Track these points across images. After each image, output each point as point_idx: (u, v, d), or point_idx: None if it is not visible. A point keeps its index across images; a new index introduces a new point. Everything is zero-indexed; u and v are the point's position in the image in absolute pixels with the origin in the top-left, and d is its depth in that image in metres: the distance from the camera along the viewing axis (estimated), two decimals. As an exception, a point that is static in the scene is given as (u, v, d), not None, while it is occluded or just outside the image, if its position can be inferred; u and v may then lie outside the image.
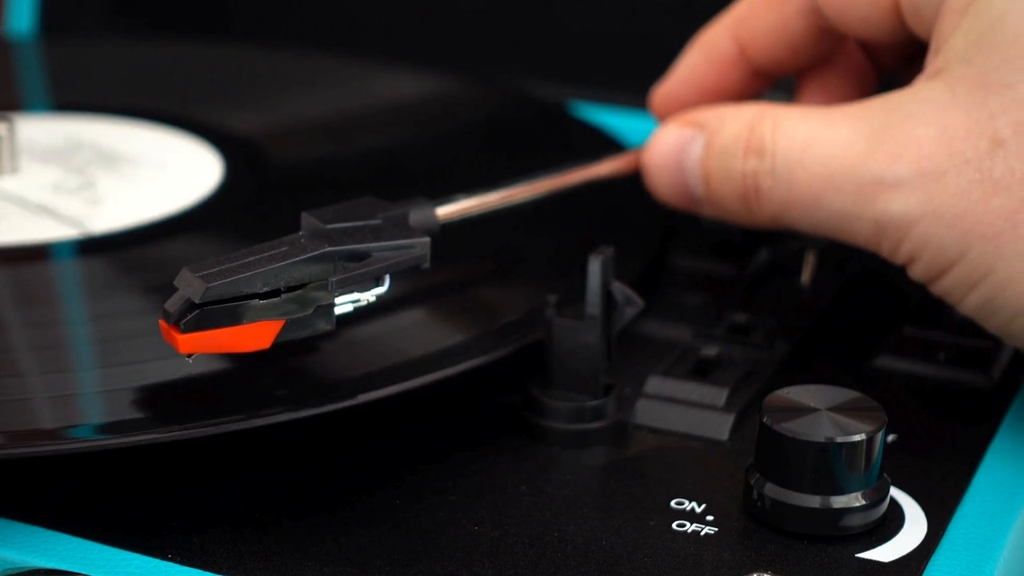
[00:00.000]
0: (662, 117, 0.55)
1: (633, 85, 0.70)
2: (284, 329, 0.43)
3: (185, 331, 0.42)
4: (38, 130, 0.62)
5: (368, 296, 0.45)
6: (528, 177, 0.51)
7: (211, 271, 0.42)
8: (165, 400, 0.45)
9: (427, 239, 0.46)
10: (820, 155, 0.47)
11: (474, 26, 0.77)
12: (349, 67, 0.69)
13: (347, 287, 0.44)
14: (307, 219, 0.45)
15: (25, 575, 0.42)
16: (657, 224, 0.56)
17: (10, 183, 0.58)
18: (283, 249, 0.44)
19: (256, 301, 0.43)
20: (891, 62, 0.54)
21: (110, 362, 0.47)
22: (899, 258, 0.47)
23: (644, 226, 0.55)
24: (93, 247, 0.53)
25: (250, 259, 0.43)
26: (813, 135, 0.47)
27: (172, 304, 0.42)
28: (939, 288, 0.46)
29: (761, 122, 0.48)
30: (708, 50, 0.54)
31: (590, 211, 0.56)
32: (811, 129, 0.47)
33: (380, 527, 0.43)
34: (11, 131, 0.59)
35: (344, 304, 0.45)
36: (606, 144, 0.62)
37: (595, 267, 0.46)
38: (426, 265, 0.46)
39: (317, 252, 0.44)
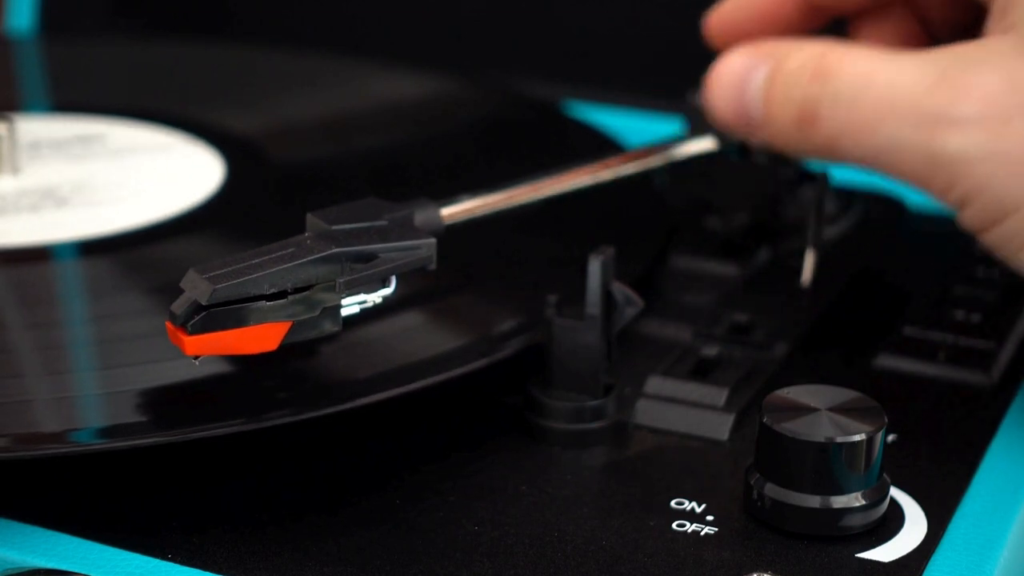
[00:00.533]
0: (716, 38, 0.56)
1: (630, 85, 0.70)
2: (291, 331, 0.43)
3: (192, 333, 0.42)
4: (38, 130, 0.62)
5: (374, 297, 0.45)
6: (532, 178, 0.51)
7: (217, 273, 0.42)
8: (167, 403, 0.45)
9: (433, 240, 0.46)
10: (883, 84, 0.47)
11: (472, 26, 0.77)
12: (349, 67, 0.69)
13: (354, 288, 0.44)
14: (312, 220, 0.45)
15: (25, 575, 0.42)
16: (658, 224, 0.56)
17: (10, 183, 0.58)
18: (290, 250, 0.44)
19: (263, 303, 0.43)
20: (944, 29, 0.54)
21: (112, 364, 0.46)
22: (950, 199, 0.46)
23: (644, 226, 0.55)
24: (95, 248, 0.53)
25: (256, 260, 0.43)
26: (878, 66, 0.47)
27: (178, 306, 0.42)
28: (991, 238, 0.46)
29: (830, 51, 0.48)
30: None
31: (590, 211, 0.56)
32: (876, 61, 0.47)
33: (380, 527, 0.43)
34: (11, 131, 0.59)
35: (350, 305, 0.45)
36: (603, 144, 0.62)
37: (595, 267, 0.46)
38: (432, 266, 0.46)
39: (325, 253, 0.44)
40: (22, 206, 0.56)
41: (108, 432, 0.44)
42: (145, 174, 0.58)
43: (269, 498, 0.44)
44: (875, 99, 0.47)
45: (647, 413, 0.48)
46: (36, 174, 0.59)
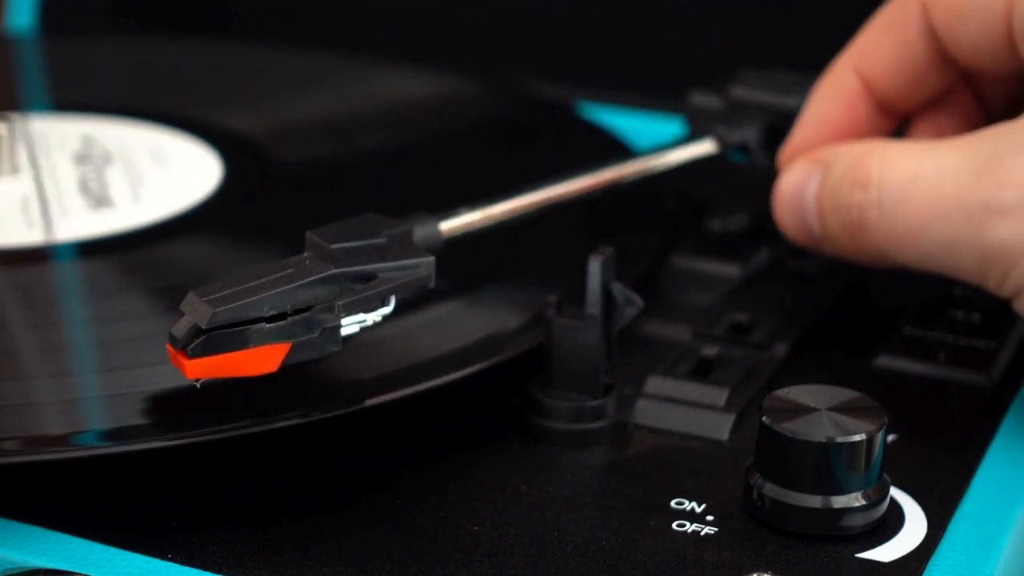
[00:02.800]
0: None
1: (631, 85, 0.69)
2: (291, 352, 0.43)
3: (192, 357, 0.42)
4: (38, 130, 0.62)
5: (374, 316, 0.45)
6: (532, 187, 0.51)
7: (217, 295, 0.42)
8: (170, 406, 0.45)
9: (431, 259, 0.46)
10: (926, 184, 0.46)
11: (475, 27, 0.77)
12: (350, 67, 0.69)
13: (353, 309, 0.44)
14: (311, 239, 0.45)
15: (25, 575, 0.42)
16: (658, 223, 0.56)
17: (10, 183, 0.58)
18: (289, 271, 0.44)
19: (263, 325, 0.43)
20: (1001, 104, 0.53)
21: (115, 366, 0.46)
22: (1005, 290, 0.46)
23: (644, 226, 0.55)
24: (94, 249, 0.53)
25: (256, 283, 0.43)
26: (920, 165, 0.46)
27: (179, 329, 0.42)
28: None
29: (869, 155, 0.47)
30: (833, 88, 0.52)
31: (590, 211, 0.56)
32: (918, 159, 0.46)
33: (380, 527, 0.43)
34: (11, 131, 0.59)
35: (350, 325, 0.44)
36: (611, 145, 0.61)
37: (595, 267, 0.46)
38: (431, 284, 0.46)
39: (324, 274, 0.44)
40: (21, 206, 0.56)
41: (110, 435, 0.44)
42: (144, 174, 0.58)
43: (269, 498, 0.44)
44: (920, 201, 0.46)
45: (647, 413, 0.48)
46: (35, 175, 0.58)
